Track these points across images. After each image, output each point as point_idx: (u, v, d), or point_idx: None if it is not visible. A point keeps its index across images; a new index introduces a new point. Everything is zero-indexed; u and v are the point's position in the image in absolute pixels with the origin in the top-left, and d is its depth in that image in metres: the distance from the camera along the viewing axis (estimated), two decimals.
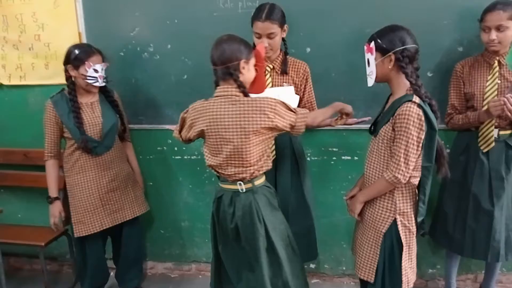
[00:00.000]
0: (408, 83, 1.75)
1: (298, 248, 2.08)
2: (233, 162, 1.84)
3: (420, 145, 1.71)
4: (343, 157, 2.68)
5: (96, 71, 2.24)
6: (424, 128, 1.68)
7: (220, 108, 1.80)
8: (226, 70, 1.79)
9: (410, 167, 1.72)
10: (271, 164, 1.95)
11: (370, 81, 1.84)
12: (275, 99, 1.82)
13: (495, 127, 2.15)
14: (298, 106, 2.27)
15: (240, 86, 1.80)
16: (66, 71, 2.28)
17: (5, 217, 2.74)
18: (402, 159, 1.70)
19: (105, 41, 2.62)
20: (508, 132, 2.17)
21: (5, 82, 2.82)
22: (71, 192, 2.40)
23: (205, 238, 2.96)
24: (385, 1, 2.37)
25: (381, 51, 1.75)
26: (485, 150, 2.19)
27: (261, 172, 1.91)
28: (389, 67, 1.75)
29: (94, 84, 2.27)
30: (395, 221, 1.81)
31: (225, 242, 1.98)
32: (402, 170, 1.71)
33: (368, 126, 2.01)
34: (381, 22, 2.32)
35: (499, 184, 2.19)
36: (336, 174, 2.71)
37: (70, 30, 2.66)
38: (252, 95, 1.85)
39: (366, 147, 2.55)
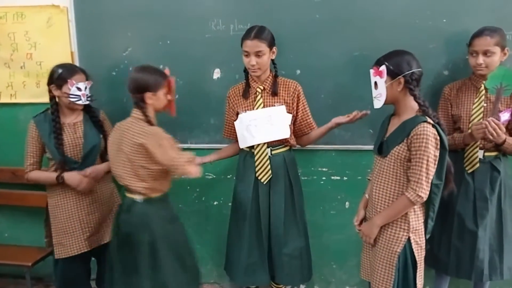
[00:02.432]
0: (416, 105, 1.83)
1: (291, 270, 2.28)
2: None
3: (436, 163, 1.77)
4: (332, 177, 2.70)
5: (79, 89, 2.23)
6: (438, 147, 1.76)
7: (127, 126, 2.00)
8: (134, 99, 2.01)
9: (429, 184, 1.78)
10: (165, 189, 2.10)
11: (378, 103, 1.89)
12: (167, 135, 1.97)
13: (481, 148, 2.20)
14: (294, 124, 2.32)
15: (144, 114, 1.99)
16: (49, 91, 2.28)
17: None
18: (423, 178, 1.75)
19: (97, 60, 2.64)
20: (494, 153, 2.21)
21: None
22: (52, 213, 2.36)
23: None
24: (373, 25, 2.43)
25: (391, 74, 1.82)
26: (469, 171, 2.24)
27: (154, 194, 2.06)
28: (398, 89, 1.82)
29: (77, 102, 2.25)
30: (408, 239, 1.84)
31: None
32: (424, 189, 1.77)
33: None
34: (369, 45, 2.42)
35: (483, 205, 2.23)
36: (325, 194, 2.73)
37: (62, 49, 2.68)
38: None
39: (355, 167, 2.60)
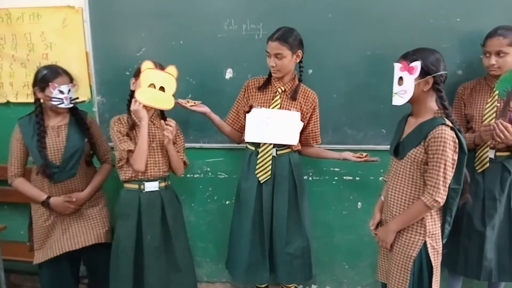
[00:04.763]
0: (434, 106, 1.77)
1: (292, 269, 2.35)
2: None
3: (454, 167, 1.71)
4: (344, 177, 2.70)
5: (61, 92, 2.18)
6: (457, 150, 1.70)
7: None
8: None
9: (446, 189, 1.72)
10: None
11: (400, 100, 1.78)
12: (117, 121, 2.22)
13: (492, 148, 2.19)
14: (301, 133, 2.32)
15: (130, 96, 2.22)
16: (34, 93, 2.24)
17: (8, 233, 2.74)
18: (441, 182, 1.69)
19: (111, 60, 2.67)
20: (505, 154, 2.19)
21: (12, 99, 2.87)
22: (34, 217, 2.35)
23: (206, 258, 2.96)
24: (386, 24, 2.42)
25: (422, 72, 1.73)
26: (479, 171, 2.23)
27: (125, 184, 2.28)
28: (424, 89, 1.75)
29: (60, 106, 2.19)
30: (424, 244, 1.80)
31: None
32: (441, 193, 1.71)
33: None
34: (382, 45, 2.41)
35: (491, 204, 2.22)
36: (337, 194, 2.72)
37: (77, 49, 2.71)
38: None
39: (368, 168, 2.59)
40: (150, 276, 2.23)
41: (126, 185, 2.26)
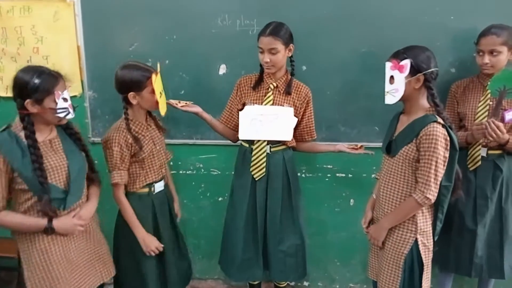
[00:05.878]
0: (426, 104, 1.78)
1: (286, 267, 2.34)
2: None
3: (446, 164, 1.72)
4: (337, 174, 2.70)
5: (65, 100, 1.74)
6: (448, 148, 1.71)
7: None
8: (121, 99, 2.00)
9: (438, 186, 1.73)
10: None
11: (392, 99, 1.80)
12: (119, 143, 1.97)
13: (484, 146, 2.20)
14: (296, 129, 2.31)
15: (125, 117, 2.00)
16: (22, 107, 1.69)
17: None
18: (432, 179, 1.71)
19: (103, 55, 2.64)
20: (497, 152, 2.20)
21: (2, 94, 2.82)
22: (29, 262, 1.80)
23: (199, 254, 2.95)
24: (381, 21, 2.42)
25: (412, 70, 1.74)
26: (471, 169, 2.24)
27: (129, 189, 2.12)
28: (415, 87, 1.76)
29: (68, 116, 1.77)
30: (415, 241, 1.81)
31: None
32: (432, 190, 1.72)
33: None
34: (376, 42, 2.41)
35: (483, 203, 2.23)
36: (330, 191, 2.73)
37: (69, 44, 2.68)
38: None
39: (360, 165, 2.60)
40: (171, 271, 2.23)
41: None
